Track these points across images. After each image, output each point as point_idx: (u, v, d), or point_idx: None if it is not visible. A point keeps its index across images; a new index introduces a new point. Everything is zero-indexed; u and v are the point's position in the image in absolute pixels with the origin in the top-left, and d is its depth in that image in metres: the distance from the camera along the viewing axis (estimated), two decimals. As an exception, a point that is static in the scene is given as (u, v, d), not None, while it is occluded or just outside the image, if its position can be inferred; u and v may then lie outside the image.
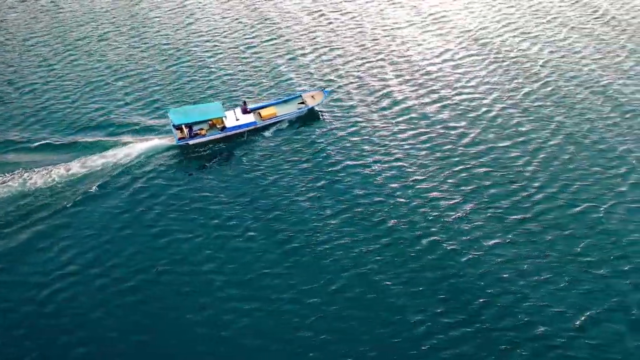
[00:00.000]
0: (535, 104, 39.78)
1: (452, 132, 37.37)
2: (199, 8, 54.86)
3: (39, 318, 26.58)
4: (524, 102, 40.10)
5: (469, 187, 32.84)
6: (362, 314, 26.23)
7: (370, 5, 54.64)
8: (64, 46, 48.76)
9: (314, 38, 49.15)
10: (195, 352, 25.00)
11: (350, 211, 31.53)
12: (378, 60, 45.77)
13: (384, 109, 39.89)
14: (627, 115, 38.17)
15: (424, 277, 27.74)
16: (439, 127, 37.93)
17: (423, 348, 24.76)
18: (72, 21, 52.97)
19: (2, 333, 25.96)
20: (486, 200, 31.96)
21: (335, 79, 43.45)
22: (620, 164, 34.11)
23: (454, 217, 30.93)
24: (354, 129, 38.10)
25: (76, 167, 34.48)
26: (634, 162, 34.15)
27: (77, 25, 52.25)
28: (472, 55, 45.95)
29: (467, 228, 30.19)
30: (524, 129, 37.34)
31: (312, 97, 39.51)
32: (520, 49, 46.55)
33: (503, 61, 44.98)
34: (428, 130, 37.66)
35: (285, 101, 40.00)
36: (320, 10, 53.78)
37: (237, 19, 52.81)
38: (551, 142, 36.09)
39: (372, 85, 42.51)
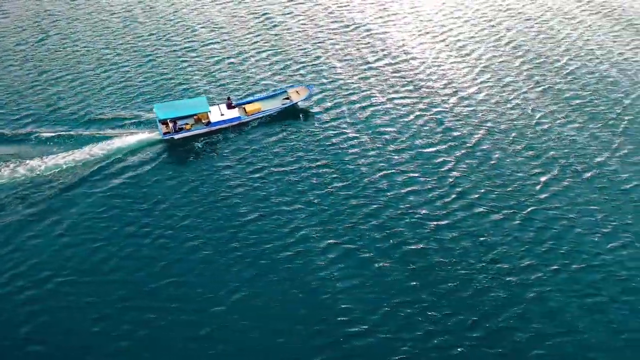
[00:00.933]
0: (468, 108, 40.28)
1: (384, 136, 37.77)
2: (187, 3, 54.89)
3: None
4: (459, 105, 40.65)
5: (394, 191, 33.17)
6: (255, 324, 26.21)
7: (355, 2, 55.13)
8: (49, 39, 48.64)
9: (299, 34, 49.53)
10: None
11: (323, 211, 32.20)
12: (362, 56, 46.32)
13: (367, 105, 40.53)
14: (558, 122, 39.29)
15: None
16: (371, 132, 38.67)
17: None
18: (56, 15, 52.77)
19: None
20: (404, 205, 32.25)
21: (320, 75, 43.93)
22: (544, 171, 34.52)
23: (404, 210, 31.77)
24: (337, 125, 38.66)
25: (58, 160, 34.51)
26: (556, 169, 34.61)
27: (61, 19, 52.09)
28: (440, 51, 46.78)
29: (379, 236, 30.32)
30: (455, 133, 37.69)
31: (297, 92, 39.96)
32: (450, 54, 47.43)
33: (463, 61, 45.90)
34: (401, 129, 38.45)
35: (270, 97, 40.42)
36: (304, 8, 54.12)
37: (224, 14, 52.98)
38: (480, 148, 36.33)
39: (356, 82, 43.06)
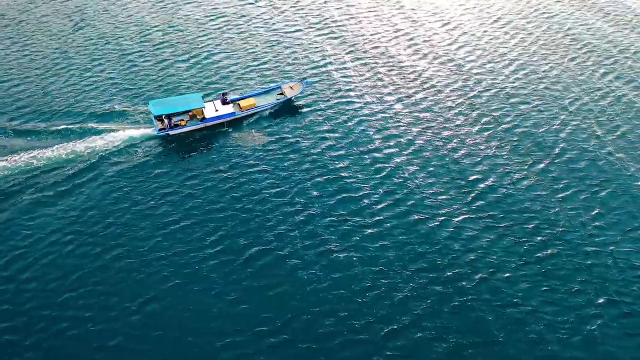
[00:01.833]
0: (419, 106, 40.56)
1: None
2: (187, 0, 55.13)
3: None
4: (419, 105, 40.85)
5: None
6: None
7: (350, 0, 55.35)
8: (45, 36, 48.94)
9: (293, 32, 49.71)
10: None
11: (315, 207, 32.38)
12: (355, 52, 46.50)
13: (360, 101, 40.75)
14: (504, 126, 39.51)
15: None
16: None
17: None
18: (52, 12, 53.05)
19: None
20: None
21: (313, 70, 44.11)
22: (482, 177, 34.10)
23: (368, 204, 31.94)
24: (330, 119, 38.87)
25: (52, 153, 34.85)
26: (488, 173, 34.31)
27: (59, 14, 52.37)
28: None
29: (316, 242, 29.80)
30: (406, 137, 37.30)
31: (291, 88, 40.14)
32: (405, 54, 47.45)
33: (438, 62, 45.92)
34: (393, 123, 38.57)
35: (264, 92, 40.62)
36: (298, 6, 54.24)
37: (219, 12, 53.14)
38: (422, 153, 36.05)
39: (349, 77, 43.26)
